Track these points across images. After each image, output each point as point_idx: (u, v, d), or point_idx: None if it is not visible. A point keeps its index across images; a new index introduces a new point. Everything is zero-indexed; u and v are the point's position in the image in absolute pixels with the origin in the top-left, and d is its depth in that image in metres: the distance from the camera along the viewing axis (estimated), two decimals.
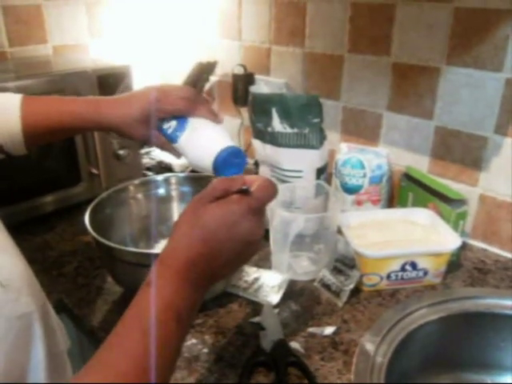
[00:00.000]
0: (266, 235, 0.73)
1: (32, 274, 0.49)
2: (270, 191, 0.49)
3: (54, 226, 0.98)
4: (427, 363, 0.76)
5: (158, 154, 1.30)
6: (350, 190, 0.96)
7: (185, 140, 0.67)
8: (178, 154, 0.70)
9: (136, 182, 0.84)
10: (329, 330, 0.70)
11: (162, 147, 0.71)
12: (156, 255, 0.64)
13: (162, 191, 0.87)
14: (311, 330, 0.70)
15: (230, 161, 0.66)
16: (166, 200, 0.87)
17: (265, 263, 0.86)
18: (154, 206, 0.84)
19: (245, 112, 1.29)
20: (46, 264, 0.86)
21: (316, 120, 0.86)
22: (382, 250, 0.78)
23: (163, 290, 0.43)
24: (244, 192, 0.47)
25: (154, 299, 0.42)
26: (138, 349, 0.39)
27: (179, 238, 0.46)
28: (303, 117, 0.86)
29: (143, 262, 0.64)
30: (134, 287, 0.71)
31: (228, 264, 0.48)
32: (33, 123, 0.65)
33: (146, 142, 0.72)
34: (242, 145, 1.36)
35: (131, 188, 0.83)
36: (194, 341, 0.68)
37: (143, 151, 1.31)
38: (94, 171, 1.02)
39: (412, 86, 0.95)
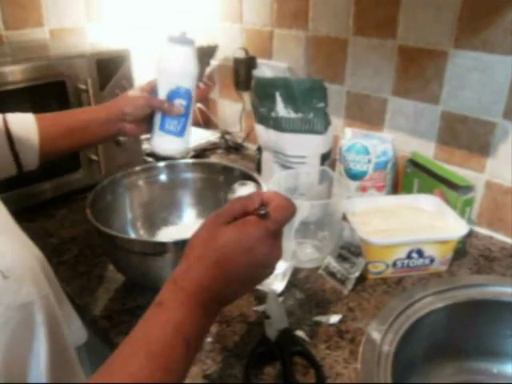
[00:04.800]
0: None
1: (36, 260, 0.47)
2: (289, 211, 0.47)
3: (53, 213, 0.96)
4: (432, 351, 0.75)
5: None
6: (354, 176, 0.94)
7: None
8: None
9: (137, 168, 0.83)
10: (334, 319, 0.69)
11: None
12: (160, 244, 0.64)
13: (163, 178, 0.85)
14: (317, 318, 0.69)
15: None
16: (167, 187, 0.85)
17: None
18: (155, 193, 0.83)
19: (246, 97, 1.27)
20: (45, 252, 0.81)
21: (321, 104, 0.85)
22: (387, 238, 0.77)
23: (174, 314, 0.42)
24: (262, 215, 0.45)
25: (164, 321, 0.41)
26: (142, 374, 0.38)
27: (194, 259, 0.45)
28: (308, 101, 0.84)
29: (146, 251, 0.63)
30: (136, 276, 0.71)
31: (241, 289, 0.48)
32: (48, 130, 0.74)
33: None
34: (244, 130, 1.34)
35: (132, 175, 0.82)
36: None
37: (143, 137, 1.29)
38: (94, 157, 1.00)
39: (418, 70, 0.93)
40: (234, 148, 1.32)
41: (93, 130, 0.77)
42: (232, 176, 0.83)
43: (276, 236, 0.47)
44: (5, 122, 0.72)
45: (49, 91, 0.91)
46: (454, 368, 0.76)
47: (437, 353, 0.75)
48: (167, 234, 0.82)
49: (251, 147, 1.32)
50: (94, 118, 0.78)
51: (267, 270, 0.48)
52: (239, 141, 1.33)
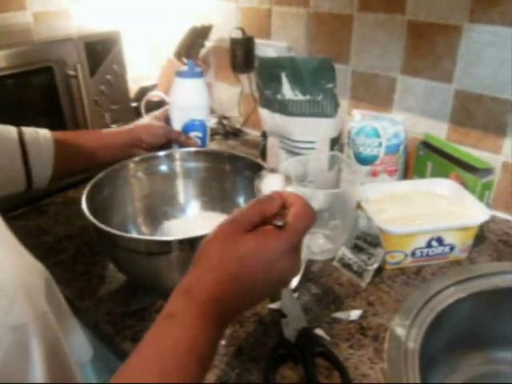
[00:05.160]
0: None
1: (34, 275, 0.41)
2: (309, 219, 0.44)
3: (45, 209, 0.90)
4: (456, 343, 0.72)
5: None
6: (364, 160, 0.89)
7: None
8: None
9: (136, 158, 0.77)
10: (355, 315, 0.65)
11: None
12: (165, 243, 0.59)
13: (164, 168, 0.79)
14: (336, 315, 0.65)
15: None
16: (169, 177, 0.80)
17: None
18: (156, 185, 0.77)
19: (244, 79, 1.21)
20: (40, 252, 0.79)
21: (330, 85, 0.79)
22: (405, 226, 0.73)
23: (187, 328, 0.38)
24: (281, 226, 0.42)
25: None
26: None
27: (208, 268, 0.41)
28: (316, 82, 0.78)
29: (150, 250, 0.58)
30: (140, 276, 0.66)
31: (253, 302, 0.45)
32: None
33: None
34: (242, 115, 1.28)
35: (131, 166, 0.76)
36: None
37: None
38: None
39: (429, 47, 0.88)
40: (233, 133, 1.26)
41: (109, 153, 0.78)
42: (239, 165, 0.78)
43: (297, 249, 0.44)
44: (20, 134, 0.71)
45: (35, 78, 0.85)
46: (478, 359, 0.73)
47: (460, 344, 0.72)
48: (170, 229, 0.77)
49: (250, 132, 1.27)
50: (114, 141, 0.80)
51: (284, 284, 0.45)
52: (238, 126, 1.28)
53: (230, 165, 0.79)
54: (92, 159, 0.77)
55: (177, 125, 0.86)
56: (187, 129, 0.86)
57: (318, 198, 0.68)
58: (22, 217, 0.88)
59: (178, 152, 0.80)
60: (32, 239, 0.82)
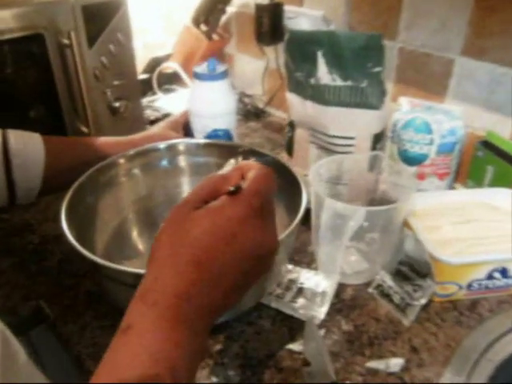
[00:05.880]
0: (306, 215, 0.54)
1: None
2: (268, 179, 0.38)
3: (36, 201, 0.78)
4: None
5: (164, 105, 1.08)
6: (411, 160, 0.74)
7: None
8: None
9: (130, 152, 0.63)
10: (395, 365, 0.52)
11: None
12: None
13: (165, 163, 0.65)
14: (371, 364, 0.52)
15: None
16: (171, 175, 0.66)
17: (302, 257, 0.67)
18: (156, 184, 0.64)
19: (270, 52, 1.05)
20: (24, 254, 0.68)
21: (377, 69, 0.64)
22: (463, 252, 0.59)
23: (148, 338, 0.31)
24: (235, 192, 0.35)
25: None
26: None
27: (161, 263, 0.34)
28: (360, 64, 0.63)
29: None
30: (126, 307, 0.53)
31: (235, 289, 0.36)
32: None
33: None
34: (265, 93, 1.13)
35: (121, 163, 0.62)
36: (213, 379, 0.50)
37: (145, 100, 1.09)
38: (84, 129, 0.81)
39: (501, 24, 0.71)
40: (255, 114, 1.12)
41: None
42: (256, 161, 0.64)
43: (262, 213, 0.36)
44: (4, 138, 0.58)
45: (23, 48, 0.71)
46: None
47: None
48: None
49: (275, 113, 1.12)
50: (117, 153, 0.64)
51: (263, 260, 0.37)
52: (261, 105, 1.13)
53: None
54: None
55: (198, 135, 0.72)
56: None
57: (358, 217, 0.54)
58: (7, 208, 0.76)
59: (183, 144, 0.66)
60: (15, 237, 0.71)
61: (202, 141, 0.69)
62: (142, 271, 0.45)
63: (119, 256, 0.57)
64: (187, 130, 0.75)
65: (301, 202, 0.54)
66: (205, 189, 0.36)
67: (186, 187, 0.67)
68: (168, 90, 1.16)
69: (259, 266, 0.37)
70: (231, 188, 0.36)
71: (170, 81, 1.17)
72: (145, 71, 1.15)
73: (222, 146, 0.67)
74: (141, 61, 1.12)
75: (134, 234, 0.63)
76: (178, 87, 1.17)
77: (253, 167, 0.38)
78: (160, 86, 1.15)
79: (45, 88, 0.77)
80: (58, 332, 0.57)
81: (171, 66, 1.14)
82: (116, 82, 0.84)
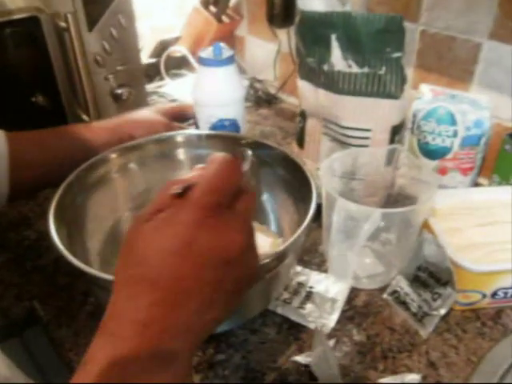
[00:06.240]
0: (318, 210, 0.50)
1: None
2: (230, 174, 0.32)
3: (34, 195, 0.75)
4: None
5: (170, 90, 1.03)
6: (432, 153, 0.69)
7: None
8: None
9: (126, 145, 0.58)
10: (411, 381, 0.48)
11: None
12: None
13: (165, 156, 0.61)
14: (386, 381, 0.48)
15: None
16: (171, 168, 0.61)
17: (312, 257, 0.63)
18: (154, 178, 0.59)
19: (283, 35, 0.99)
20: (19, 250, 0.65)
21: (397, 54, 0.58)
22: (488, 258, 0.54)
23: (101, 374, 0.27)
24: (181, 194, 0.30)
25: None
26: None
27: (118, 289, 0.30)
28: (379, 49, 0.57)
29: None
30: None
31: (214, 302, 0.30)
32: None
33: None
34: (278, 78, 1.08)
35: (112, 158, 0.57)
36: None
37: (152, 85, 1.05)
38: (85, 118, 0.77)
39: None
40: (266, 100, 1.06)
41: (85, 157, 0.55)
42: (263, 155, 0.59)
43: (220, 211, 0.31)
44: None
45: (17, 32, 0.67)
46: None
47: None
48: None
49: (287, 100, 1.06)
50: (93, 141, 0.58)
51: (234, 263, 0.30)
52: (272, 91, 1.07)
53: (254, 155, 0.59)
54: (63, 168, 0.53)
55: (203, 126, 0.67)
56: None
57: (373, 220, 0.49)
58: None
59: (185, 136, 0.61)
60: (11, 232, 0.68)
61: (205, 132, 0.65)
62: None
63: (114, 258, 0.53)
64: (178, 121, 0.71)
65: (311, 201, 0.49)
66: (157, 197, 0.31)
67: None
68: (176, 75, 1.11)
69: (234, 271, 0.31)
70: (177, 190, 0.31)
71: (179, 65, 1.12)
72: (152, 55, 1.10)
73: (225, 138, 0.62)
74: (148, 45, 1.08)
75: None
76: (186, 72, 1.12)
77: (214, 161, 0.33)
78: (168, 70, 1.10)
79: (43, 74, 0.73)
80: (51, 336, 0.54)
81: (179, 50, 1.09)
82: (119, 68, 0.80)
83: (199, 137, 0.62)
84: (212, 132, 0.65)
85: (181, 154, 0.61)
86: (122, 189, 0.58)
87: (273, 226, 0.62)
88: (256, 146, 0.60)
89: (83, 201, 0.52)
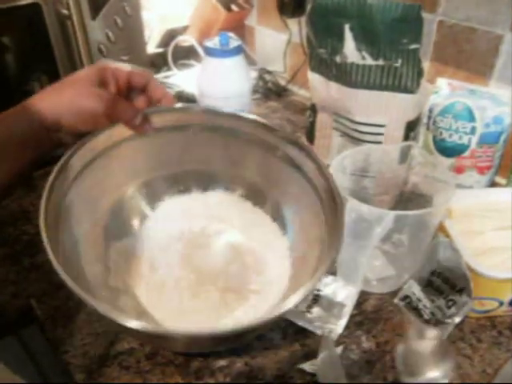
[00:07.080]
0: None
1: None
2: None
3: (36, 185, 0.73)
4: None
5: (177, 81, 1.00)
6: (448, 150, 0.66)
7: None
8: None
9: (114, 126, 0.48)
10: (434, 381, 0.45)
11: None
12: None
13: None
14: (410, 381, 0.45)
15: None
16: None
17: None
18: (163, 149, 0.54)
19: (293, 24, 0.96)
20: (17, 246, 0.63)
21: (414, 46, 0.55)
22: (507, 263, 0.51)
23: None
24: None
25: None
26: None
27: None
28: (395, 40, 0.54)
29: None
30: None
31: None
32: None
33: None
34: (288, 70, 1.04)
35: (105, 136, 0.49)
36: None
37: (159, 76, 1.02)
38: None
39: None
40: (275, 92, 1.03)
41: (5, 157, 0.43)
42: (272, 138, 0.54)
43: None
44: None
45: (17, 19, 0.65)
46: None
47: None
48: (170, 210, 0.58)
49: (297, 92, 1.03)
50: (6, 134, 0.42)
51: None
52: (282, 83, 1.04)
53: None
54: None
55: None
56: None
57: (386, 222, 0.46)
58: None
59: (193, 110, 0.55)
60: (10, 227, 0.66)
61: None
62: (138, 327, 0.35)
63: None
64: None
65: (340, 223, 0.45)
66: None
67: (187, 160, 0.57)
68: (184, 66, 1.08)
69: None
70: None
71: (187, 55, 1.09)
72: (160, 45, 1.07)
73: (234, 117, 0.58)
74: (156, 34, 1.05)
75: (133, 201, 0.55)
76: (195, 62, 1.09)
77: None
78: (176, 60, 1.07)
79: (45, 62, 0.71)
80: (47, 337, 0.52)
81: (188, 40, 1.06)
82: (124, 57, 0.77)
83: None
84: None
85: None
86: (119, 166, 0.54)
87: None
88: (264, 128, 0.55)
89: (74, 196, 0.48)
